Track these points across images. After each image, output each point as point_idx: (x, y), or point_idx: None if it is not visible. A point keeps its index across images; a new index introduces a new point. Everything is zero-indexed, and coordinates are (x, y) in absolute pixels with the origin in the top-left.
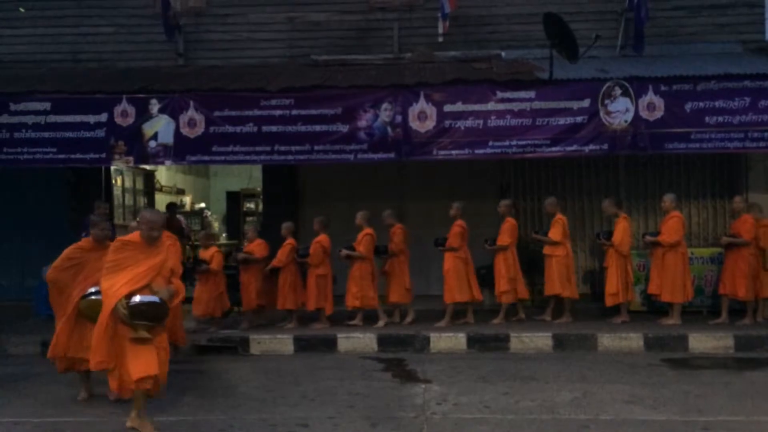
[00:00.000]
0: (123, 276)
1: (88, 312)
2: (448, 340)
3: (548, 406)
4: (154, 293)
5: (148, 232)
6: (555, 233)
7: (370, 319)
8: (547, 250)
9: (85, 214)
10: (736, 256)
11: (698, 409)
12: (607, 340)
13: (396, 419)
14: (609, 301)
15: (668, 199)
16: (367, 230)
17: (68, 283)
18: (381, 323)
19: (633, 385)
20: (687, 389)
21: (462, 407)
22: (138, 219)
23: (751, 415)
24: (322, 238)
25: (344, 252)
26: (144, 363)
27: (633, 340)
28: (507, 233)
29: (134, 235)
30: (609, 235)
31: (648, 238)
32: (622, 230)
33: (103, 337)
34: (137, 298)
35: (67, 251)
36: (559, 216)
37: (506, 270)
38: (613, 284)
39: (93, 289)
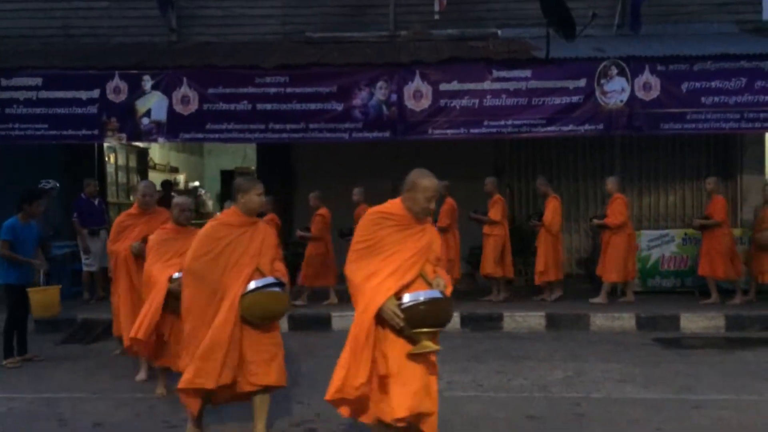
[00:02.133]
0: (382, 264)
1: (258, 311)
2: None
3: (541, 385)
4: (431, 286)
5: (425, 202)
6: (495, 213)
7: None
8: (486, 229)
9: (77, 192)
10: (710, 237)
11: (689, 388)
12: (599, 320)
13: None
14: (537, 280)
15: (610, 181)
16: (321, 211)
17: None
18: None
19: (625, 364)
20: (678, 368)
21: (455, 385)
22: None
23: (741, 394)
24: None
25: (299, 233)
26: (411, 393)
27: (625, 320)
28: (446, 214)
29: (394, 204)
30: (540, 215)
31: (595, 221)
32: (553, 210)
33: (364, 355)
34: (418, 296)
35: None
36: (498, 196)
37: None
38: (541, 263)
39: (260, 282)
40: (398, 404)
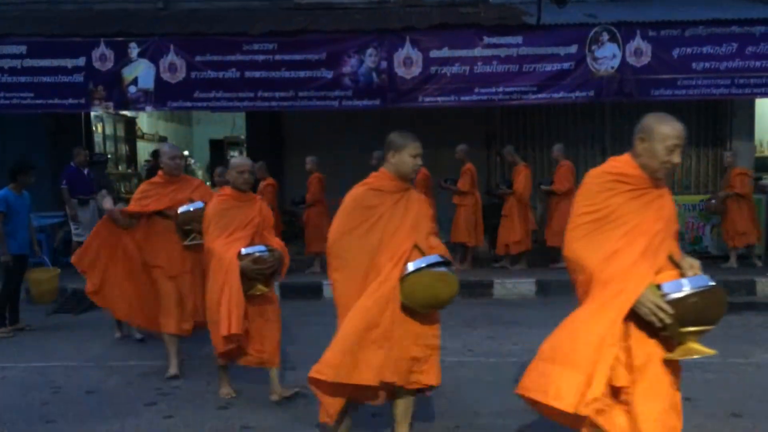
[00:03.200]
0: (623, 241)
1: (422, 296)
2: None
3: (530, 349)
4: (683, 270)
5: (666, 155)
6: (464, 183)
7: None
8: (455, 199)
9: (64, 161)
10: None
11: None
12: None
13: None
14: (514, 249)
15: (556, 149)
16: (317, 175)
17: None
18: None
19: None
20: None
21: (446, 351)
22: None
23: (727, 357)
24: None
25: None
26: (659, 412)
27: None
28: (420, 184)
29: (624, 162)
30: (510, 184)
31: (543, 187)
32: (525, 179)
33: (603, 360)
34: (681, 285)
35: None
36: (469, 165)
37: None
38: (517, 233)
39: (423, 262)
40: (646, 428)
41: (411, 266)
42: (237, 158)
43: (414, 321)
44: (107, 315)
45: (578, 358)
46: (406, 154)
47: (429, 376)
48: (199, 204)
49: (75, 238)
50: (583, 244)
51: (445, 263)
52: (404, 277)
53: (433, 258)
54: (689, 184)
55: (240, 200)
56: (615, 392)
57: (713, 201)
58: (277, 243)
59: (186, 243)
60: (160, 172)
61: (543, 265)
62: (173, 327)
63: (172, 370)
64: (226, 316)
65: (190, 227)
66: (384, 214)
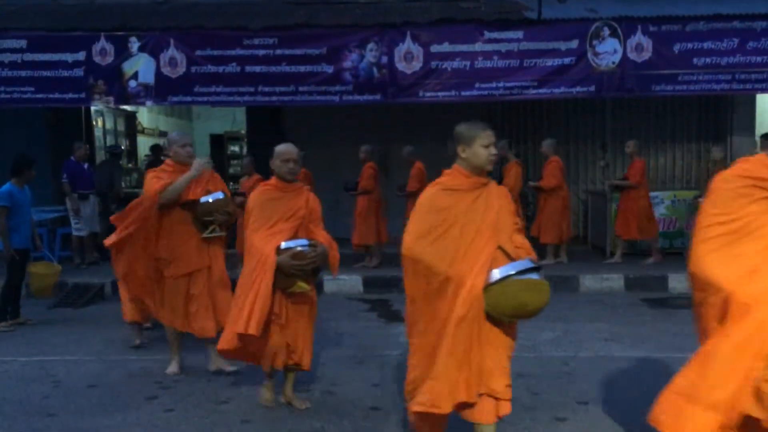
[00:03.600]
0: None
1: (509, 306)
2: None
3: (530, 345)
4: None
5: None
6: (412, 184)
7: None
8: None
9: (64, 156)
10: (626, 198)
11: (676, 347)
12: (589, 281)
13: (381, 357)
14: None
15: (546, 145)
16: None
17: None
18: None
19: (613, 324)
20: (665, 327)
21: None
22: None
23: None
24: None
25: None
26: None
27: (614, 281)
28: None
29: (757, 163)
30: (500, 180)
31: (531, 183)
32: (515, 176)
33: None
34: None
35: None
36: (418, 164)
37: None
38: None
39: (512, 268)
40: None
41: (497, 273)
42: (282, 146)
43: (494, 330)
44: (108, 309)
45: (718, 398)
46: (478, 145)
47: (507, 389)
48: (219, 194)
49: (75, 233)
50: (715, 260)
51: (535, 269)
52: (488, 287)
53: (522, 264)
54: (690, 179)
55: (285, 190)
56: (751, 423)
57: (700, 200)
58: (323, 237)
59: (205, 235)
60: (168, 161)
61: (570, 260)
62: (179, 324)
63: (173, 368)
64: (248, 313)
65: (212, 218)
66: (459, 217)
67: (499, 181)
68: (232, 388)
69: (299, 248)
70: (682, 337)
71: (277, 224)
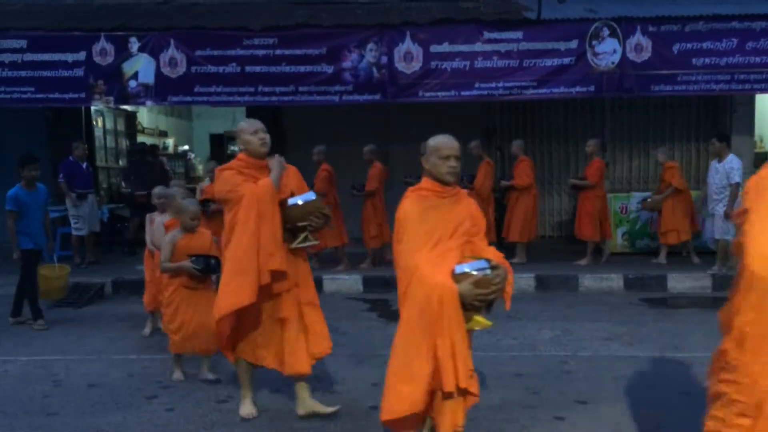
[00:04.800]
0: None
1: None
2: None
3: (529, 344)
4: None
5: None
6: (371, 184)
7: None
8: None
9: (63, 155)
10: (583, 198)
11: (674, 346)
12: (588, 281)
13: (381, 357)
14: None
15: (516, 145)
16: (325, 166)
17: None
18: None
19: (612, 323)
20: (664, 327)
21: None
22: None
23: None
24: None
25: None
26: None
27: (613, 281)
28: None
29: None
30: (471, 179)
31: (503, 183)
32: (485, 174)
33: None
34: None
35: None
36: (377, 164)
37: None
38: None
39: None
40: None
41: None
42: (439, 138)
43: None
44: (108, 308)
45: None
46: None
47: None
48: (310, 195)
49: (75, 233)
50: None
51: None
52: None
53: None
54: (689, 179)
55: (443, 196)
56: None
57: (649, 199)
58: (494, 255)
59: (294, 246)
60: (240, 155)
61: (542, 260)
62: (258, 356)
63: (247, 408)
64: (451, 368)
65: (305, 223)
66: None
67: (472, 180)
68: (232, 387)
69: (478, 272)
70: (681, 337)
71: (441, 242)
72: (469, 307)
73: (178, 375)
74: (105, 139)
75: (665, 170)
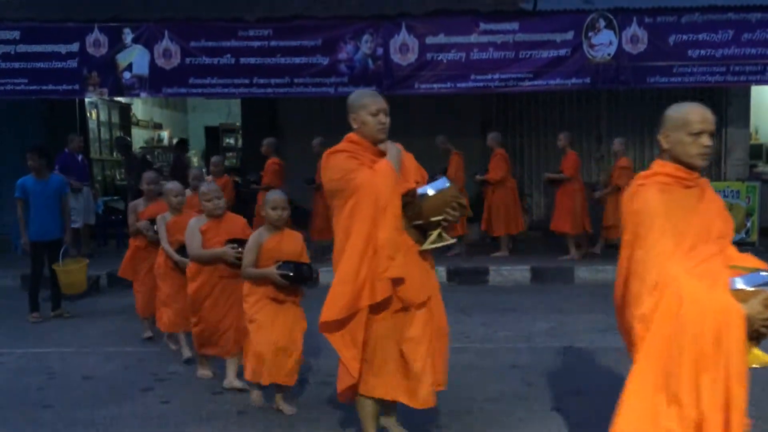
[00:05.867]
0: None
1: None
2: None
3: (525, 336)
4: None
5: None
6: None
7: None
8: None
9: (58, 148)
10: (561, 192)
11: None
12: (583, 273)
13: None
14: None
15: (490, 137)
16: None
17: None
18: None
19: (608, 314)
20: None
21: None
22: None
23: None
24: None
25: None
26: None
27: (609, 273)
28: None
29: None
30: (444, 171)
31: (477, 177)
32: (456, 167)
33: None
34: None
35: None
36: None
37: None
38: None
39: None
40: None
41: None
42: (686, 107)
43: None
44: (103, 301)
45: None
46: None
47: None
48: (443, 182)
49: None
50: None
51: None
52: None
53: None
54: None
55: (689, 185)
56: None
57: (596, 192)
58: (759, 263)
59: (426, 247)
60: (353, 136)
61: (538, 253)
62: (393, 390)
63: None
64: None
65: (439, 218)
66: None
67: (444, 173)
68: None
69: (765, 288)
70: None
71: (697, 247)
72: (752, 335)
73: (256, 397)
74: (99, 131)
75: (616, 167)
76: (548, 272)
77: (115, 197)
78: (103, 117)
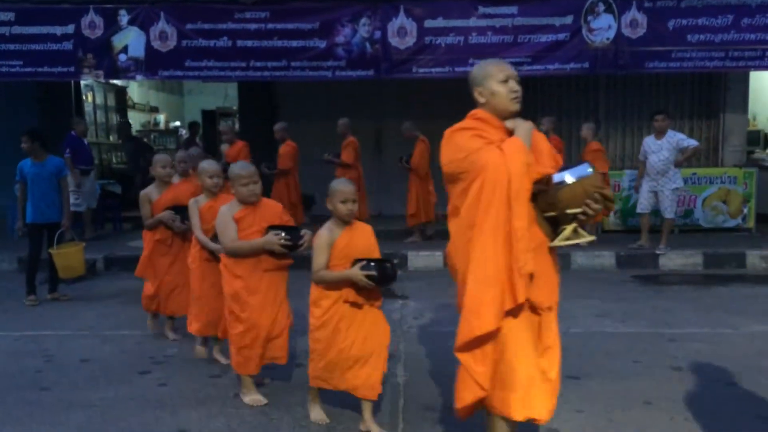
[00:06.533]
0: None
1: None
2: (425, 259)
3: None
4: None
5: None
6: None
7: None
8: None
9: (53, 131)
10: None
11: (666, 322)
12: (580, 258)
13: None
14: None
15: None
16: (350, 139)
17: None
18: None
19: (604, 300)
20: (656, 304)
21: (437, 322)
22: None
23: (716, 328)
24: (352, 139)
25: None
26: None
27: (605, 258)
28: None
29: None
30: (409, 158)
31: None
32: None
33: None
34: None
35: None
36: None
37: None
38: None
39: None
40: None
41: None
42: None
43: None
44: (100, 284)
45: None
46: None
47: None
48: (584, 169)
49: (74, 208)
50: None
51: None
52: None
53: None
54: None
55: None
56: None
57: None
58: None
59: (559, 243)
60: (479, 112)
61: None
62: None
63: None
64: None
65: (578, 210)
66: None
67: (409, 160)
68: (225, 363)
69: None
70: (672, 313)
71: None
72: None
73: (316, 415)
74: (95, 114)
75: (588, 151)
76: None
77: (111, 181)
78: (99, 100)
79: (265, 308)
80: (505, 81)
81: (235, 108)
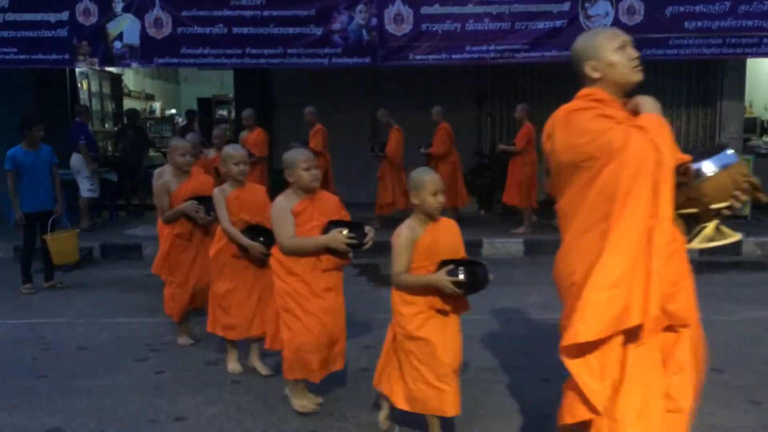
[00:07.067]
0: None
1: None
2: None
3: (519, 308)
4: None
5: None
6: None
7: None
8: (515, 161)
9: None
10: (512, 165)
11: None
12: None
13: (371, 320)
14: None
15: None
16: (318, 127)
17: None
18: None
19: None
20: None
21: None
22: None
23: (711, 315)
24: (319, 127)
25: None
26: None
27: None
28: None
29: None
30: (382, 146)
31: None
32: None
33: None
34: None
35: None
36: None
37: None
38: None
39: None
40: None
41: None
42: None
43: None
44: (97, 272)
45: None
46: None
47: None
48: (727, 156)
49: (89, 194)
50: None
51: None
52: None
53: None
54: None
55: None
56: None
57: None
58: None
59: (698, 245)
60: (595, 90)
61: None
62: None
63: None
64: None
65: (723, 205)
66: None
67: (382, 148)
68: (222, 350)
69: None
70: None
71: None
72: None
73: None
74: (90, 101)
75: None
76: (541, 245)
77: (107, 169)
78: (95, 88)
79: (329, 313)
80: (622, 48)
81: (231, 96)
